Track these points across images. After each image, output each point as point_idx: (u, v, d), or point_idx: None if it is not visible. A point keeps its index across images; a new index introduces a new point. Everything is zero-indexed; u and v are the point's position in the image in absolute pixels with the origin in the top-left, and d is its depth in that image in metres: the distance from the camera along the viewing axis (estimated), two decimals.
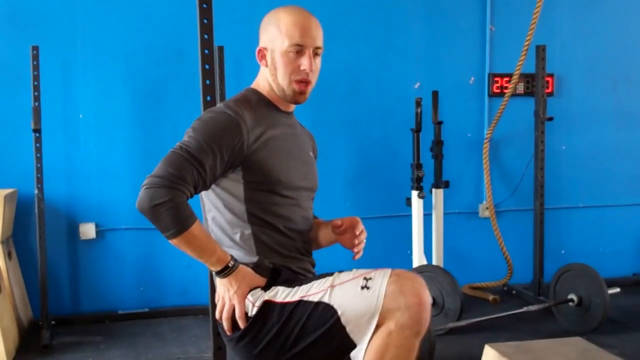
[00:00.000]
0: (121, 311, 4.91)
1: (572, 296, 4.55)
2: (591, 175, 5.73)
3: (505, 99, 5.22)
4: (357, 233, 2.28)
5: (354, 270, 2.00)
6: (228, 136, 2.00)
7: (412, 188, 4.75)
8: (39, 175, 4.45)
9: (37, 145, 4.44)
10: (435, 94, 4.91)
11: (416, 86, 5.28)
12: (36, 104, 4.42)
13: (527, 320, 4.63)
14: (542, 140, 5.02)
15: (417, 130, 4.77)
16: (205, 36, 2.83)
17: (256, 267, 2.07)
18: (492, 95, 5.51)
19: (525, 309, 4.54)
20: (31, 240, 4.68)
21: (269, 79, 2.17)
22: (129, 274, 5.00)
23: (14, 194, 4.51)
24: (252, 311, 2.03)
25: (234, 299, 2.02)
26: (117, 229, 4.94)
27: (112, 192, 4.91)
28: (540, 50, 4.97)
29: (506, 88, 5.35)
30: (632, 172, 5.80)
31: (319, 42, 2.13)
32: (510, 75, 5.30)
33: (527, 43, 5.03)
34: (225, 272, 2.01)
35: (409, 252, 4.94)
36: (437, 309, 4.44)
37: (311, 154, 2.33)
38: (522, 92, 5.50)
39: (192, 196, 1.99)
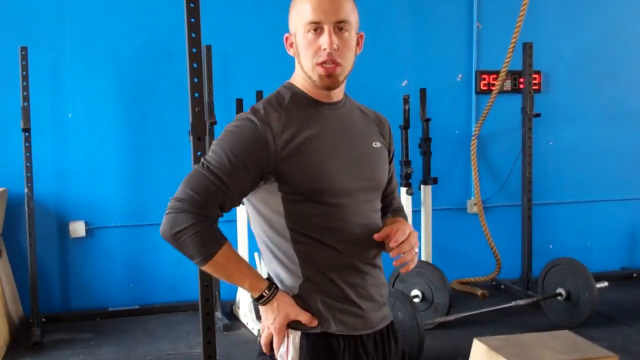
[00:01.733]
0: (111, 308, 4.94)
1: (560, 290, 4.58)
2: (578, 171, 5.78)
3: (493, 96, 5.26)
4: (392, 244, 1.86)
5: None
6: (253, 149, 1.76)
7: (401, 185, 4.79)
8: (29, 174, 4.48)
9: (27, 144, 4.47)
10: (423, 92, 4.95)
11: (403, 84, 5.31)
12: (25, 104, 4.44)
13: (516, 315, 4.66)
14: (529, 136, 5.06)
15: (405, 127, 4.81)
16: (193, 35, 2.86)
17: (302, 293, 1.82)
18: (479, 92, 5.55)
19: (513, 303, 4.59)
20: (21, 238, 4.69)
21: (298, 67, 1.90)
22: (119, 271, 5.02)
23: (4, 193, 4.54)
24: (290, 353, 1.83)
25: (271, 329, 1.82)
26: (107, 227, 4.97)
27: (101, 190, 4.94)
28: (527, 48, 5.01)
29: (493, 85, 5.39)
30: (618, 167, 5.86)
31: (341, 15, 1.80)
32: (497, 73, 5.34)
33: (514, 40, 5.07)
34: (261, 300, 1.80)
35: None
36: (426, 304, 4.48)
37: (376, 143, 1.97)
38: (510, 89, 5.54)
39: (219, 217, 1.80)
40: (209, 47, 4.71)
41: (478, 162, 5.50)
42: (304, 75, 1.86)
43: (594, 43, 5.74)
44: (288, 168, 1.77)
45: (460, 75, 5.55)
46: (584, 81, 5.74)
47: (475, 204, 5.53)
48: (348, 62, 1.83)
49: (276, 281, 1.83)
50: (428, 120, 4.88)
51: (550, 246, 5.70)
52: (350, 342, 1.81)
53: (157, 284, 5.07)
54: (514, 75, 5.47)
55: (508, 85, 5.53)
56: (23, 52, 4.44)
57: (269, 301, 1.78)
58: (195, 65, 2.87)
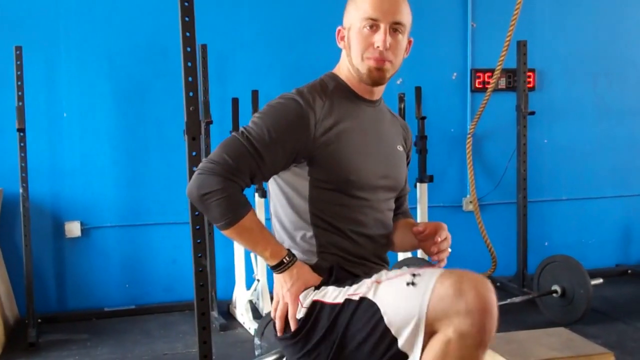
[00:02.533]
0: (107, 308, 4.94)
1: (555, 287, 4.61)
2: (573, 168, 5.81)
3: (488, 94, 5.26)
4: (439, 240, 1.96)
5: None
6: (294, 127, 1.82)
7: None
8: (24, 174, 4.47)
9: (22, 144, 4.47)
10: (418, 90, 4.96)
11: (399, 82, 5.32)
12: (20, 103, 4.44)
13: (512, 312, 4.67)
14: (524, 134, 5.09)
15: None
16: (187, 34, 2.87)
17: (316, 269, 1.90)
18: (474, 90, 5.58)
19: (509, 300, 4.60)
20: (17, 238, 4.70)
21: (346, 60, 1.94)
22: (114, 271, 5.03)
23: None
24: (300, 312, 1.85)
25: (287, 297, 1.85)
26: (103, 227, 4.98)
27: (97, 190, 4.94)
28: (522, 46, 5.04)
29: (488, 83, 5.41)
30: (613, 164, 5.89)
31: (399, 17, 1.88)
32: (492, 71, 5.34)
33: (508, 39, 5.07)
34: (280, 267, 1.84)
35: None
36: None
37: (399, 147, 2.06)
38: (504, 87, 5.57)
39: (247, 187, 1.84)
40: (204, 47, 4.72)
41: (473, 160, 5.51)
42: (351, 68, 1.91)
43: (587, 41, 5.77)
44: (323, 155, 1.83)
45: (455, 74, 5.57)
46: (578, 79, 5.77)
47: (470, 202, 5.55)
48: (397, 62, 1.91)
49: None
50: (423, 118, 4.90)
51: (546, 243, 5.73)
52: None
53: (153, 284, 5.08)
54: (508, 73, 5.49)
55: (503, 83, 5.56)
56: (17, 52, 4.44)
57: (288, 268, 1.84)
58: (189, 64, 2.88)
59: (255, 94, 4.81)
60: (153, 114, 4.98)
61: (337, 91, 1.92)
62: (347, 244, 1.90)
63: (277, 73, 5.20)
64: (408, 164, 2.17)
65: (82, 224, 4.93)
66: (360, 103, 1.94)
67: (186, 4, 2.86)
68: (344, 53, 1.96)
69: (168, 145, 4.92)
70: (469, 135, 5.48)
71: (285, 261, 1.84)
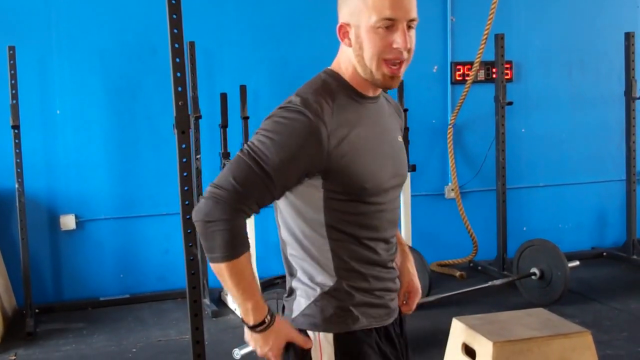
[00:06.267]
0: (103, 298, 5.03)
1: (534, 270, 4.72)
2: (550, 156, 5.93)
3: (467, 85, 5.36)
4: (409, 304, 1.97)
5: None
6: (306, 145, 1.64)
7: None
8: (19, 170, 4.56)
9: (16, 141, 4.54)
10: (400, 83, 5.06)
11: None
12: (14, 101, 4.52)
13: (492, 294, 4.79)
14: (502, 124, 5.20)
15: None
16: (175, 30, 2.94)
17: (333, 291, 1.75)
18: (454, 82, 5.69)
19: (490, 283, 4.72)
20: (13, 232, 4.78)
21: (353, 60, 1.75)
22: (109, 262, 5.12)
23: None
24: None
25: (269, 356, 1.73)
26: (97, 219, 5.07)
27: (90, 184, 5.03)
28: (499, 39, 5.14)
29: (468, 75, 5.51)
30: (588, 151, 6.01)
31: (414, 13, 1.70)
32: (471, 63, 5.45)
33: (486, 32, 5.16)
34: (261, 326, 1.70)
35: None
36: None
37: (399, 137, 1.92)
38: (483, 78, 5.68)
39: (255, 213, 1.69)
40: (192, 43, 4.81)
41: (454, 149, 5.62)
42: (359, 68, 1.74)
43: (562, 33, 5.88)
44: (338, 167, 1.68)
45: (436, 67, 5.68)
46: (554, 70, 5.89)
47: (452, 190, 5.66)
48: (410, 58, 1.75)
49: (304, 277, 1.77)
50: (406, 110, 4.97)
51: (524, 228, 5.84)
52: (379, 333, 1.80)
53: (146, 274, 5.17)
54: (487, 65, 5.60)
55: (482, 75, 5.65)
56: (11, 52, 4.52)
57: (270, 327, 1.71)
58: (178, 60, 2.94)
59: (243, 88, 4.89)
60: (144, 109, 5.07)
61: (341, 92, 1.75)
62: (363, 252, 1.77)
63: (265, 68, 5.29)
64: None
65: (76, 217, 5.02)
66: (364, 102, 1.78)
67: (173, 1, 2.93)
68: (346, 50, 1.78)
69: (159, 139, 5.00)
70: (450, 126, 5.59)
71: (266, 321, 1.69)
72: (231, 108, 4.85)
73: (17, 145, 4.55)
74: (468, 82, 5.36)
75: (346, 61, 1.78)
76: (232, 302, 4.74)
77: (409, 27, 1.70)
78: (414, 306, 1.96)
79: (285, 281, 1.87)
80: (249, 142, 1.69)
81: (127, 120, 5.07)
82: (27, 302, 4.60)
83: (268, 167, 1.63)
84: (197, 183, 4.75)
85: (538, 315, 3.19)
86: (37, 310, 4.69)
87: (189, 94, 4.35)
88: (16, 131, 4.54)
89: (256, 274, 4.78)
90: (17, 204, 4.58)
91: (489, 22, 5.12)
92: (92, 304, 4.98)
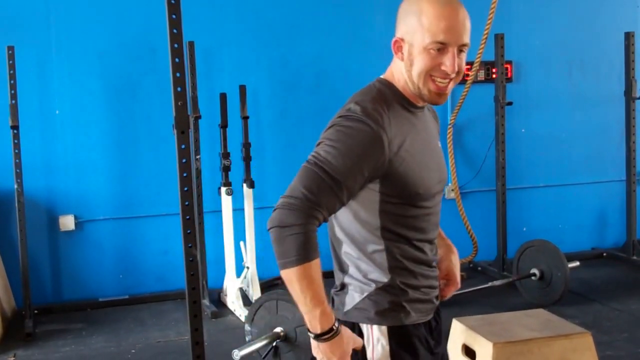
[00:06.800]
0: (102, 299, 5.03)
1: (534, 271, 4.73)
2: (550, 156, 5.93)
3: (467, 85, 5.35)
4: (445, 289, 2.07)
5: None
6: (370, 153, 1.74)
7: None
8: (18, 170, 4.56)
9: (16, 141, 4.55)
10: None
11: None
12: (13, 102, 4.52)
13: (492, 295, 4.79)
14: (502, 124, 5.21)
15: None
16: (174, 30, 2.94)
17: (386, 287, 1.86)
18: None
19: (490, 284, 4.74)
20: (12, 232, 4.78)
21: (404, 73, 1.84)
22: (108, 263, 5.12)
23: None
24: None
25: None
26: (96, 220, 5.07)
27: (89, 184, 5.03)
28: (499, 39, 5.15)
29: (467, 75, 5.45)
30: (588, 152, 6.01)
31: (466, 38, 1.80)
32: (471, 63, 5.38)
33: (486, 32, 5.14)
34: (329, 334, 1.74)
35: None
36: None
37: (439, 143, 2.04)
38: (483, 78, 5.68)
39: (325, 221, 1.78)
40: (191, 43, 4.82)
41: (454, 149, 5.61)
42: (409, 82, 1.84)
43: (563, 33, 5.87)
44: (395, 173, 1.78)
45: None
46: (554, 70, 5.89)
47: (452, 190, 5.65)
48: (458, 80, 1.85)
49: (357, 273, 1.87)
50: None
51: (524, 228, 5.84)
52: (425, 327, 1.91)
53: (145, 274, 5.17)
54: (487, 65, 5.60)
55: (481, 75, 5.66)
56: (10, 52, 4.53)
57: (336, 335, 1.75)
58: (177, 60, 2.94)
59: (242, 88, 4.89)
60: (143, 109, 5.07)
61: (395, 101, 1.85)
62: (414, 252, 1.88)
63: (264, 68, 5.29)
64: None
65: (76, 218, 5.02)
66: (414, 111, 1.88)
67: (173, 1, 2.93)
68: (399, 63, 1.86)
69: (158, 139, 5.01)
70: (450, 126, 5.59)
71: (334, 328, 1.74)
72: (231, 108, 4.85)
73: (16, 146, 4.55)
74: (468, 82, 5.36)
75: (398, 73, 1.87)
76: (231, 303, 4.75)
77: (460, 51, 1.80)
78: (449, 295, 2.07)
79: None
80: (313, 153, 1.76)
81: (127, 120, 5.07)
82: (26, 303, 4.61)
83: (336, 175, 1.71)
84: (196, 183, 4.75)
85: (538, 316, 3.21)
86: (36, 311, 4.70)
87: (189, 94, 4.36)
88: (15, 131, 4.54)
89: (255, 276, 4.81)
90: (16, 205, 4.58)
91: (489, 21, 5.10)
92: (91, 305, 4.98)
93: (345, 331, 1.79)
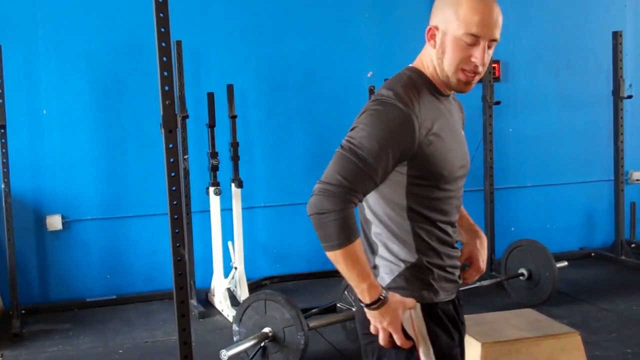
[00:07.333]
0: (89, 299, 5.02)
1: (522, 271, 4.74)
2: (537, 156, 5.95)
3: None
4: (467, 272, 2.15)
5: None
6: (402, 135, 1.83)
7: None
8: (5, 170, 4.54)
9: (2, 141, 4.53)
10: None
11: (369, 75, 5.43)
12: (0, 101, 4.50)
13: (481, 295, 4.79)
14: (490, 123, 5.22)
15: None
16: (162, 29, 2.94)
17: (415, 267, 1.94)
18: None
19: (478, 284, 4.69)
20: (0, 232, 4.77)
21: (434, 61, 1.93)
22: (95, 263, 5.11)
23: None
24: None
25: (389, 329, 1.89)
26: (83, 220, 5.06)
27: (77, 184, 5.01)
28: None
29: None
30: (576, 151, 6.03)
31: (497, 34, 1.89)
32: None
33: None
34: (377, 303, 1.84)
35: None
36: None
37: (463, 131, 2.11)
38: None
39: (360, 202, 1.88)
40: (179, 43, 4.80)
41: None
42: (439, 70, 1.93)
43: (550, 33, 5.90)
44: (423, 155, 1.86)
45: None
46: (541, 70, 5.90)
47: None
48: (484, 73, 1.94)
49: (386, 254, 1.95)
50: None
51: (512, 228, 5.85)
52: (450, 305, 1.99)
53: (133, 274, 5.16)
54: None
55: None
56: None
57: (385, 304, 1.85)
58: (165, 58, 2.94)
59: (230, 88, 4.88)
60: (130, 109, 5.05)
61: (424, 88, 1.93)
62: (438, 233, 1.96)
63: (252, 67, 5.28)
64: None
65: (63, 218, 5.00)
66: (442, 98, 1.96)
67: (160, 0, 2.93)
68: (430, 50, 1.95)
69: (146, 139, 5.00)
70: None
71: (381, 298, 1.84)
72: (218, 107, 4.83)
73: (3, 145, 4.54)
74: None
75: (428, 60, 1.96)
76: (219, 303, 4.74)
77: (489, 46, 1.89)
78: (472, 279, 2.16)
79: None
80: (347, 137, 1.85)
81: (114, 119, 5.06)
82: (13, 303, 4.59)
83: (370, 158, 1.80)
84: (184, 183, 4.73)
85: (526, 316, 3.22)
86: (23, 311, 4.68)
87: (176, 93, 4.34)
88: (2, 131, 4.53)
89: (243, 276, 4.78)
90: (3, 204, 4.56)
91: None
92: (79, 305, 4.97)
93: (393, 297, 1.87)
